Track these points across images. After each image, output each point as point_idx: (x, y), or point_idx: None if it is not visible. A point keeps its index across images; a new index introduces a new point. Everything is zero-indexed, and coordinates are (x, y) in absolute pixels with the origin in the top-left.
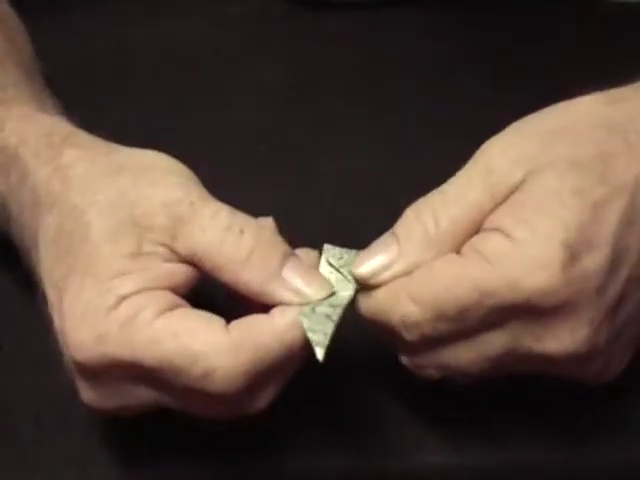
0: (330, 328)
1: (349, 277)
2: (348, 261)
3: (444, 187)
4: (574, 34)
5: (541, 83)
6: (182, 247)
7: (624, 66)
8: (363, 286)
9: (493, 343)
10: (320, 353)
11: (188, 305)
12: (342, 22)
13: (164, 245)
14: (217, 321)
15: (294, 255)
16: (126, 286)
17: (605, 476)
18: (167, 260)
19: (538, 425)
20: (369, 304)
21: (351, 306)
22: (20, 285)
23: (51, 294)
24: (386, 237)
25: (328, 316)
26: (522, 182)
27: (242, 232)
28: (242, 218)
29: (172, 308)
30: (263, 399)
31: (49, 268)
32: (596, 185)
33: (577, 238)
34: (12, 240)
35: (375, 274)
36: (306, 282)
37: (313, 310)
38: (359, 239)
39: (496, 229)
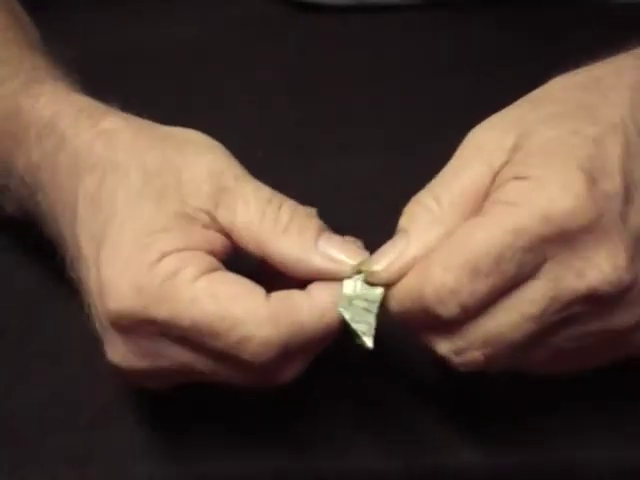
0: (372, 319)
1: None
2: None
3: (440, 173)
4: (575, 34)
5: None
6: (222, 217)
7: None
8: (389, 286)
9: (534, 295)
10: (369, 341)
11: (228, 271)
12: (342, 23)
13: (206, 212)
14: (258, 289)
15: (327, 229)
16: (168, 243)
17: (607, 477)
18: (207, 227)
19: (538, 426)
20: (400, 289)
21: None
22: (25, 284)
23: (86, 248)
24: (394, 237)
25: (366, 309)
26: (516, 145)
27: (281, 206)
28: (280, 195)
29: (213, 270)
30: (290, 372)
31: (87, 222)
32: (589, 125)
33: (590, 165)
34: (31, 217)
35: (391, 264)
36: (341, 250)
37: (350, 303)
38: (359, 239)
39: (509, 179)
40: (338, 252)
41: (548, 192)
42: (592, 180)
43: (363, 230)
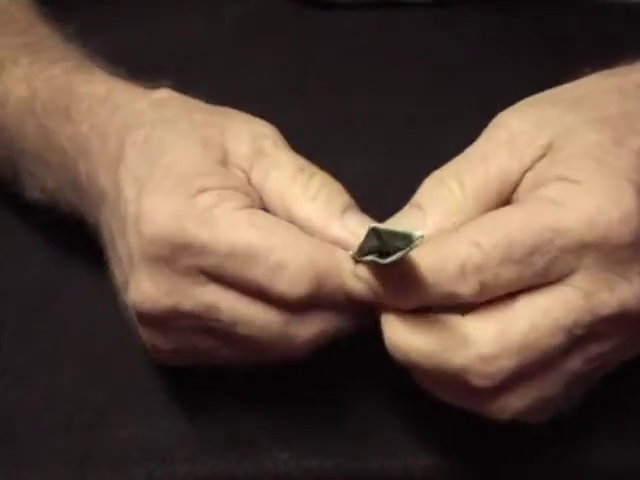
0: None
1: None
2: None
3: (465, 153)
4: (575, 34)
5: (542, 84)
6: (255, 177)
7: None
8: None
9: (568, 304)
10: (418, 233)
11: None
12: (342, 22)
13: (242, 170)
14: (297, 228)
15: (356, 207)
16: (211, 181)
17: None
18: (245, 183)
19: (538, 430)
20: (418, 256)
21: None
22: (25, 284)
23: (129, 189)
24: (406, 208)
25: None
26: (549, 145)
27: (313, 175)
28: (315, 167)
29: (252, 207)
30: (315, 326)
31: (133, 167)
32: (632, 136)
33: (636, 178)
34: (60, 195)
35: None
36: (364, 226)
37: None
38: None
39: (554, 179)
40: (360, 227)
41: (597, 199)
42: (638, 193)
43: None
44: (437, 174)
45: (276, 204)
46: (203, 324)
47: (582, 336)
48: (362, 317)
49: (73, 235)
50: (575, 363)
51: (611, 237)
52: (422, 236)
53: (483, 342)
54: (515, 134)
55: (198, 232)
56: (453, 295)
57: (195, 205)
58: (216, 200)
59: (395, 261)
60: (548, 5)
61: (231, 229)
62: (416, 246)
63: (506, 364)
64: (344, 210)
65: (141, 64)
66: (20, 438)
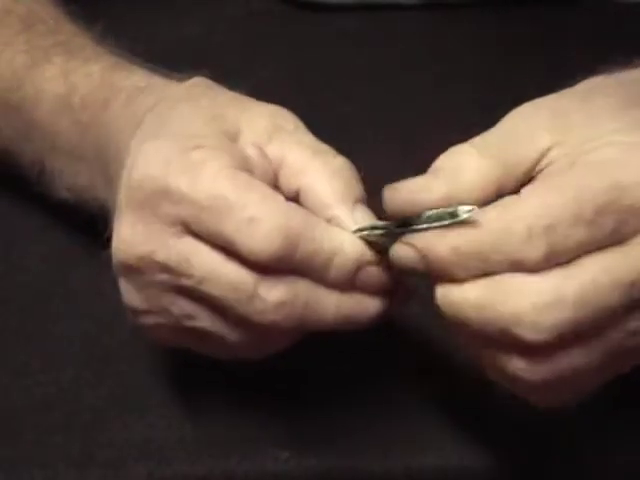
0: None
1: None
2: None
3: (483, 135)
4: (575, 34)
5: (542, 84)
6: (273, 150)
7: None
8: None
9: (631, 259)
10: (467, 207)
11: None
12: (342, 23)
13: (256, 145)
14: (279, 193)
15: (365, 202)
16: (208, 141)
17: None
18: (254, 157)
19: (540, 429)
20: (485, 219)
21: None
22: (25, 284)
23: (135, 146)
24: (429, 175)
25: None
26: (568, 127)
27: (336, 156)
28: (337, 152)
29: (243, 168)
30: (280, 291)
31: (145, 130)
32: None
33: None
34: (87, 190)
35: (414, 190)
36: (368, 221)
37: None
38: None
39: (604, 144)
40: (364, 221)
41: None
42: None
43: None
44: (454, 147)
45: (292, 174)
46: (174, 280)
47: (637, 300)
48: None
49: (74, 235)
50: (620, 334)
51: None
52: (471, 209)
53: (538, 292)
54: (537, 115)
55: (180, 180)
56: (518, 261)
57: (186, 157)
58: (206, 156)
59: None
60: (547, 5)
61: (211, 181)
62: (464, 219)
63: (560, 316)
64: (358, 197)
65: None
66: (20, 438)
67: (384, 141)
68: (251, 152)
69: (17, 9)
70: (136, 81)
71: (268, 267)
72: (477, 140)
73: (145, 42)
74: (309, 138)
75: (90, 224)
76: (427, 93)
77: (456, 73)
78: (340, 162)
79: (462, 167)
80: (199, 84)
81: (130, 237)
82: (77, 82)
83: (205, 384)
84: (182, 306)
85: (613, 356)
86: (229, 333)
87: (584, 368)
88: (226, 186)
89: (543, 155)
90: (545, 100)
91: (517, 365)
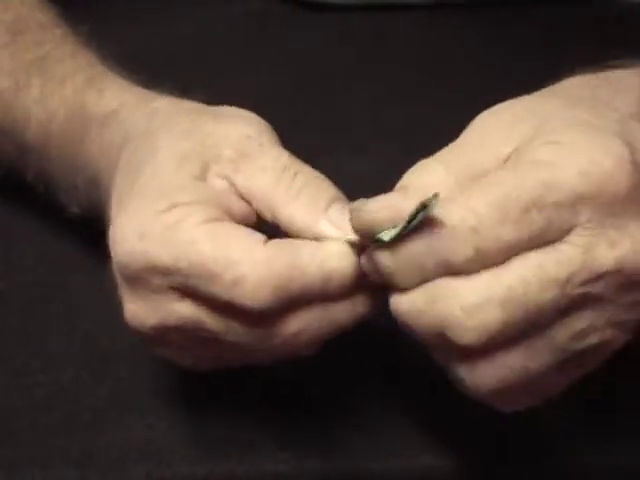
0: (398, 229)
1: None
2: None
3: (449, 146)
4: (576, 34)
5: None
6: (241, 182)
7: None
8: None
9: (562, 257)
10: (387, 235)
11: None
12: (342, 23)
13: (225, 177)
14: (257, 234)
15: (342, 199)
16: (180, 196)
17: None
18: (225, 191)
19: (537, 426)
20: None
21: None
22: (25, 284)
23: (114, 210)
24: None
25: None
26: (532, 128)
27: (297, 173)
28: (300, 163)
29: (218, 220)
30: (293, 326)
31: (119, 185)
32: (610, 111)
33: (626, 138)
34: (95, 212)
35: (382, 208)
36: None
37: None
38: None
39: (542, 144)
40: (345, 221)
41: (588, 153)
42: (630, 147)
43: None
44: (422, 161)
45: (262, 206)
46: (193, 334)
47: (577, 298)
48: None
49: (74, 235)
50: (562, 334)
51: (607, 186)
52: (436, 194)
53: (465, 294)
54: (489, 133)
55: (160, 253)
56: (449, 264)
57: (160, 222)
58: (182, 216)
59: (416, 225)
60: (547, 5)
61: (188, 245)
62: (434, 205)
63: (490, 317)
64: (328, 204)
65: (141, 64)
66: (20, 438)
67: (384, 141)
68: (220, 187)
69: (4, 16)
70: (105, 106)
71: (266, 314)
72: (443, 155)
73: (145, 42)
74: (272, 157)
75: (91, 225)
76: (427, 93)
77: (457, 73)
78: (301, 180)
79: (429, 185)
80: (157, 111)
81: (136, 312)
82: (54, 109)
83: (205, 385)
84: (208, 348)
85: (567, 357)
86: (257, 359)
87: (536, 370)
88: (203, 249)
89: (505, 161)
90: (504, 105)
91: (460, 370)
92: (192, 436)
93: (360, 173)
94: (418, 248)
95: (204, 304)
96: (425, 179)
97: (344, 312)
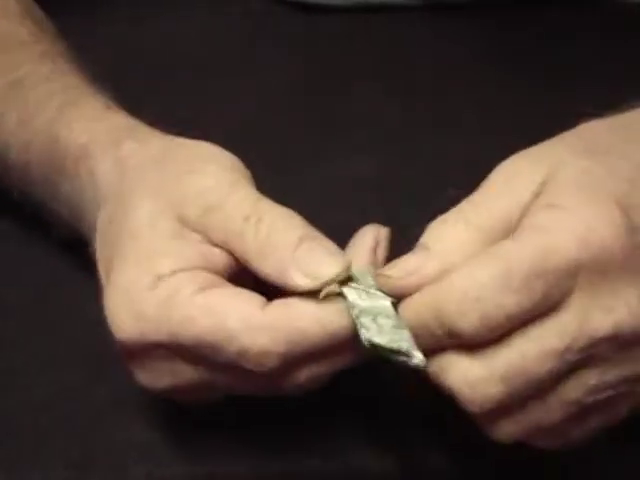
0: (408, 333)
1: (379, 293)
2: (372, 282)
3: (468, 198)
4: (575, 34)
5: (542, 84)
6: (214, 235)
7: (625, 67)
8: (398, 299)
9: (560, 327)
10: (420, 355)
11: (228, 284)
12: (342, 23)
13: (199, 232)
14: (255, 298)
15: (312, 237)
16: (164, 266)
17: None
18: (204, 244)
19: None
20: (416, 298)
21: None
22: (25, 285)
23: (102, 278)
24: (413, 250)
25: (395, 326)
26: (545, 180)
27: (259, 221)
28: (265, 205)
29: (210, 287)
30: (303, 378)
31: (100, 253)
32: (622, 161)
33: (625, 201)
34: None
35: (408, 274)
36: (318, 262)
37: (375, 321)
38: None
39: (543, 207)
40: (316, 265)
41: (586, 220)
42: (628, 215)
43: None
44: (441, 217)
45: (240, 259)
46: (203, 384)
47: (577, 361)
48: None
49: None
50: (573, 392)
51: (604, 254)
52: (423, 361)
53: (469, 367)
54: (513, 175)
55: (158, 333)
56: (457, 333)
57: (152, 299)
58: (172, 289)
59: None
60: (547, 5)
61: (188, 322)
62: (417, 366)
63: (492, 391)
64: (294, 249)
65: (141, 64)
66: (20, 438)
67: (384, 141)
68: (197, 239)
69: None
70: (76, 137)
71: (273, 372)
72: (463, 209)
73: (145, 42)
74: (234, 203)
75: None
76: (427, 94)
77: (456, 74)
78: (264, 229)
79: (450, 244)
80: (128, 167)
81: (147, 377)
82: (30, 138)
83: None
84: (218, 389)
85: (584, 409)
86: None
87: (550, 422)
88: (203, 325)
89: (527, 206)
90: (524, 153)
91: (479, 426)
92: (192, 436)
93: (360, 173)
94: (429, 321)
95: (213, 367)
96: (445, 238)
97: (347, 359)
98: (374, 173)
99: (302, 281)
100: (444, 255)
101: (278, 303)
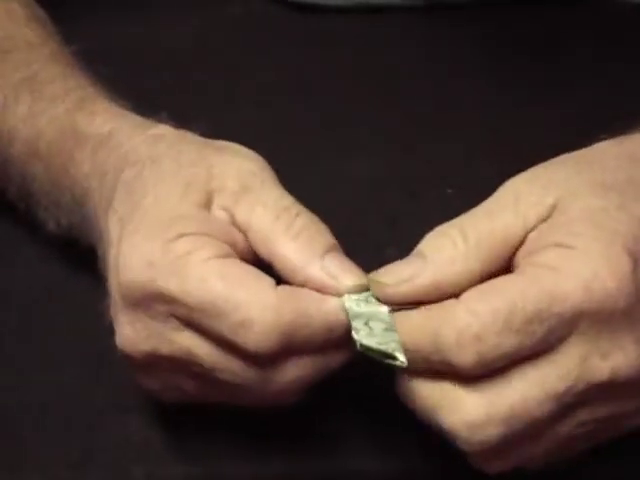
0: (397, 337)
1: (376, 301)
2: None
3: (471, 211)
4: (574, 35)
5: (541, 83)
6: (240, 214)
7: (625, 67)
8: (396, 307)
9: (561, 371)
10: (403, 357)
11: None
12: (341, 24)
13: (226, 209)
14: (267, 278)
15: (338, 249)
16: (189, 226)
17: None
18: (227, 224)
19: None
20: (415, 323)
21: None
22: (25, 285)
23: (113, 230)
24: (409, 256)
25: (387, 329)
26: (554, 207)
27: (297, 215)
28: (301, 207)
29: (226, 256)
30: (289, 372)
31: (119, 206)
32: (635, 202)
33: (635, 248)
34: (76, 232)
35: (400, 281)
36: (343, 269)
37: (367, 324)
38: (359, 239)
39: (551, 245)
40: (339, 270)
41: (593, 266)
42: (635, 263)
43: (363, 230)
44: (441, 227)
45: (259, 242)
46: (184, 367)
47: (573, 403)
48: (349, 352)
49: None
50: (564, 428)
51: (606, 304)
52: (404, 363)
53: (470, 410)
54: (522, 194)
55: (168, 283)
56: (451, 365)
57: (169, 251)
58: (190, 248)
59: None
60: (547, 5)
61: (199, 282)
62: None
63: (492, 433)
64: (326, 251)
65: (141, 64)
66: (20, 438)
67: (384, 142)
68: (222, 218)
69: None
70: (98, 127)
71: (268, 358)
72: (463, 221)
73: (145, 42)
74: (274, 195)
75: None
76: (427, 94)
77: (456, 74)
78: (301, 222)
79: (445, 255)
80: (161, 137)
81: (132, 335)
82: (42, 127)
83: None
84: (193, 384)
85: (571, 439)
86: (242, 402)
87: (542, 453)
88: (213, 287)
89: (531, 230)
90: (534, 171)
91: (468, 460)
92: (192, 436)
93: (360, 173)
94: (425, 346)
95: (203, 337)
96: (443, 249)
97: (336, 360)
98: (374, 173)
99: (320, 277)
100: (439, 267)
101: (289, 287)
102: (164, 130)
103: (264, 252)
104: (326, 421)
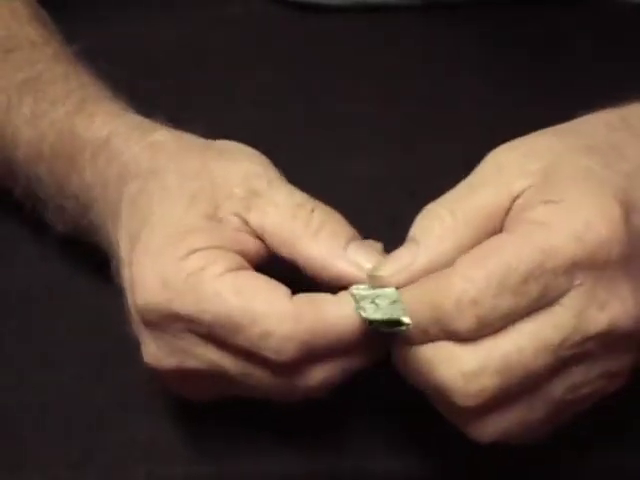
0: (402, 305)
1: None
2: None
3: (454, 188)
4: (573, 35)
5: (541, 83)
6: (254, 219)
7: (624, 67)
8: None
9: (556, 322)
10: (407, 319)
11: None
12: (341, 24)
13: (237, 215)
14: (283, 288)
15: (358, 238)
16: (198, 241)
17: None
18: (239, 230)
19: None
20: (414, 297)
21: None
22: (25, 285)
23: (124, 249)
24: (404, 244)
25: (394, 301)
26: (538, 172)
27: (313, 210)
28: (314, 200)
29: (240, 269)
30: (317, 377)
31: (127, 223)
32: (620, 161)
33: (624, 198)
34: (84, 234)
35: (397, 272)
36: (368, 259)
37: (374, 301)
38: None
39: (540, 202)
40: (365, 260)
41: (584, 216)
42: (626, 211)
43: (363, 230)
44: (428, 207)
45: (279, 244)
46: (212, 376)
47: (569, 357)
48: (373, 352)
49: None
50: (556, 390)
51: (601, 253)
52: (409, 324)
53: (465, 361)
54: (504, 164)
55: (184, 303)
56: (452, 332)
57: (182, 270)
58: (202, 263)
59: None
60: (547, 5)
61: (215, 298)
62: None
63: (488, 383)
64: (347, 242)
65: (141, 64)
66: (20, 438)
67: (384, 141)
68: (233, 224)
69: None
70: (96, 131)
71: (289, 366)
72: (450, 199)
73: (145, 42)
74: (283, 194)
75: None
76: (426, 94)
77: (455, 74)
78: (319, 217)
79: (438, 237)
80: (161, 147)
81: (155, 352)
82: (45, 130)
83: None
84: (223, 386)
85: (562, 406)
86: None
87: (533, 420)
88: (228, 302)
89: (516, 198)
90: (518, 142)
91: (461, 423)
92: (192, 436)
93: (360, 173)
94: (423, 318)
95: (226, 350)
96: (433, 230)
97: (360, 360)
98: (374, 173)
99: (347, 270)
100: (432, 248)
101: (305, 295)
102: (163, 137)
103: (286, 253)
104: (330, 421)
